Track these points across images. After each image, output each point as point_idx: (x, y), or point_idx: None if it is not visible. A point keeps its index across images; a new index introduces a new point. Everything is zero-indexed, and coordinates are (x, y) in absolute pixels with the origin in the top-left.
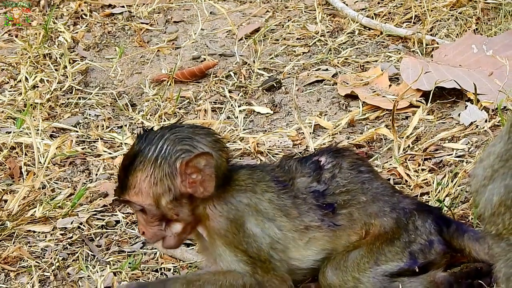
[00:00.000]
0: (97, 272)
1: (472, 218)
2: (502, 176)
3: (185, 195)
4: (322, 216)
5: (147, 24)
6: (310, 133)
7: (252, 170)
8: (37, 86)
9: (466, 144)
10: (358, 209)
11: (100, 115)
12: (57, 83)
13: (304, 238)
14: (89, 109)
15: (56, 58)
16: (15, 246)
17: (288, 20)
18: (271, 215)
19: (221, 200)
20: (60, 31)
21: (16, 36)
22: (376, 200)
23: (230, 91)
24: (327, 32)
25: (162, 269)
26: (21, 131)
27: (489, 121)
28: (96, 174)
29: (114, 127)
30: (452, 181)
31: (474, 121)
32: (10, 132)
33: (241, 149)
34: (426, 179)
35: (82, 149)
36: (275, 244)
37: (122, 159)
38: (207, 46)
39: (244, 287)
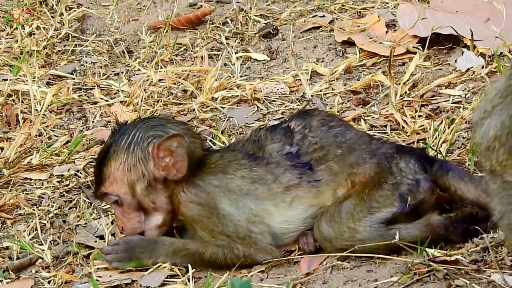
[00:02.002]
0: (96, 219)
1: (468, 164)
2: (500, 112)
3: (159, 180)
4: (300, 175)
5: None
6: (307, 79)
7: (224, 152)
8: (34, 34)
9: (463, 90)
10: (337, 162)
11: (96, 62)
12: (54, 30)
13: (287, 199)
14: (85, 56)
15: (53, 5)
16: (11, 193)
17: None
18: (245, 190)
19: (190, 184)
20: None
21: None
22: (353, 150)
23: (227, 38)
24: None
25: None
26: (17, 78)
27: (485, 67)
28: (93, 121)
29: (110, 74)
30: (449, 127)
31: (471, 67)
32: (6, 80)
33: (238, 96)
34: (423, 125)
35: (79, 96)
36: (253, 218)
37: (97, 155)
38: None
39: (226, 260)
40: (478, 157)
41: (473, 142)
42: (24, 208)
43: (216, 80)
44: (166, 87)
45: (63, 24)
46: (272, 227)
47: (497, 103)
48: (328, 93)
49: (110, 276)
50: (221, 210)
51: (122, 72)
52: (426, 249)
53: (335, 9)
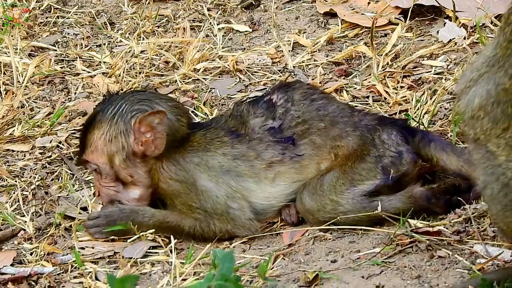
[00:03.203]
0: (78, 191)
1: (451, 135)
2: (486, 81)
3: (138, 155)
4: (282, 150)
5: None
6: (289, 51)
7: (206, 129)
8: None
9: (445, 61)
10: (320, 135)
11: (78, 34)
12: (36, 2)
13: (269, 175)
14: (67, 28)
15: None
16: None
17: None
18: (226, 167)
19: (171, 161)
20: None
21: None
22: (336, 123)
23: (208, 9)
24: None
25: None
26: None
27: (467, 38)
28: (75, 93)
29: (92, 45)
30: (431, 98)
31: (453, 38)
32: None
33: (220, 67)
34: (405, 96)
35: (61, 68)
36: (233, 194)
37: (85, 121)
38: None
39: (203, 233)
40: (461, 126)
41: (455, 112)
42: (6, 180)
43: (198, 51)
44: (148, 59)
45: None
46: (253, 204)
47: (484, 71)
48: (310, 64)
49: (93, 248)
50: (200, 186)
51: (104, 44)
52: (409, 220)
53: None
